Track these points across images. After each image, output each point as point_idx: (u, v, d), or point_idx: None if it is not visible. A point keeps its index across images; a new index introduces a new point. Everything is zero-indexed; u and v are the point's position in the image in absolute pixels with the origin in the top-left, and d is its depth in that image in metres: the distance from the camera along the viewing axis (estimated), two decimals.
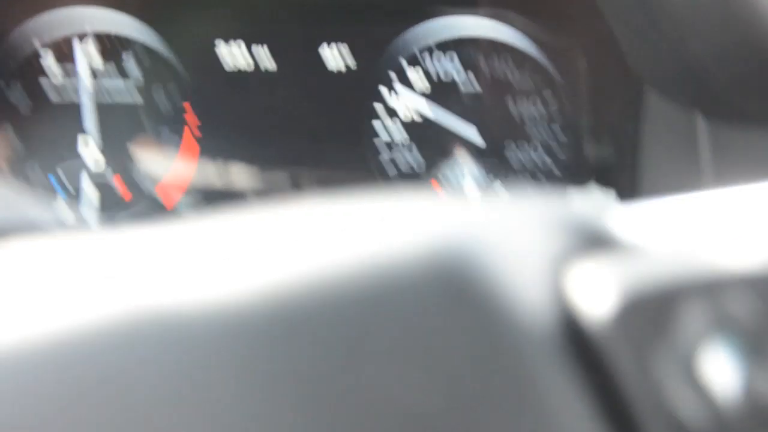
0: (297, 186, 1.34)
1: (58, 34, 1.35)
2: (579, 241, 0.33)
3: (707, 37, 0.89)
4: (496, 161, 1.35)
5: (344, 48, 1.35)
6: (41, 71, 1.34)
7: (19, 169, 1.33)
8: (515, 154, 1.35)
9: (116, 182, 1.35)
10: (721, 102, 1.00)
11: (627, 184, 1.25)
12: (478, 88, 1.36)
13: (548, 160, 1.35)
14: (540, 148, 1.35)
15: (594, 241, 0.34)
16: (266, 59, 1.35)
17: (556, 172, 1.35)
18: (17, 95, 1.34)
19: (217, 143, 1.35)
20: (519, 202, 0.37)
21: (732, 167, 1.05)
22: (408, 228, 0.33)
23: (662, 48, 1.02)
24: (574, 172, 1.34)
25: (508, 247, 0.32)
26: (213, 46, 1.34)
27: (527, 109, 1.35)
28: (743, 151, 1.04)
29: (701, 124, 1.08)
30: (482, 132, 1.35)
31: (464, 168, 1.35)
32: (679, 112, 1.10)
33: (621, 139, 1.27)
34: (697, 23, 0.89)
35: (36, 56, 1.34)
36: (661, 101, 1.14)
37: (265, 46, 1.35)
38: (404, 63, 1.35)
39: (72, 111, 1.34)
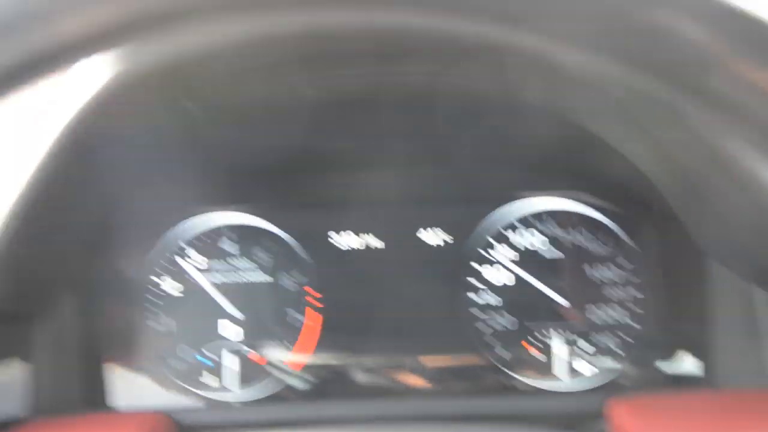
0: (402, 356, 1.52)
1: (199, 232, 1.58)
2: None
3: (747, 223, 1.05)
4: (580, 322, 1.52)
5: (439, 230, 1.56)
6: (186, 265, 1.57)
7: (170, 351, 1.53)
8: (597, 315, 1.52)
9: (252, 355, 1.54)
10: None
11: (696, 344, 1.40)
12: (559, 255, 1.55)
13: (628, 320, 1.51)
14: (619, 309, 1.52)
15: None
16: (374, 241, 1.57)
17: (636, 331, 1.51)
18: (168, 286, 1.56)
19: (335, 320, 1.54)
20: None
21: None
22: None
23: (717, 230, 1.19)
24: (651, 331, 1.50)
25: None
26: (327, 236, 1.57)
27: (604, 273, 1.53)
28: None
29: (759, 294, 1.22)
30: (565, 295, 1.53)
31: (551, 329, 1.52)
32: (740, 282, 1.25)
33: (691, 300, 1.43)
34: (737, 213, 1.06)
35: (182, 253, 1.57)
36: (723, 271, 1.30)
37: (371, 234, 1.57)
38: (492, 239, 1.56)
39: (212, 296, 1.55)
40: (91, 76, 1.04)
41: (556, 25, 0.54)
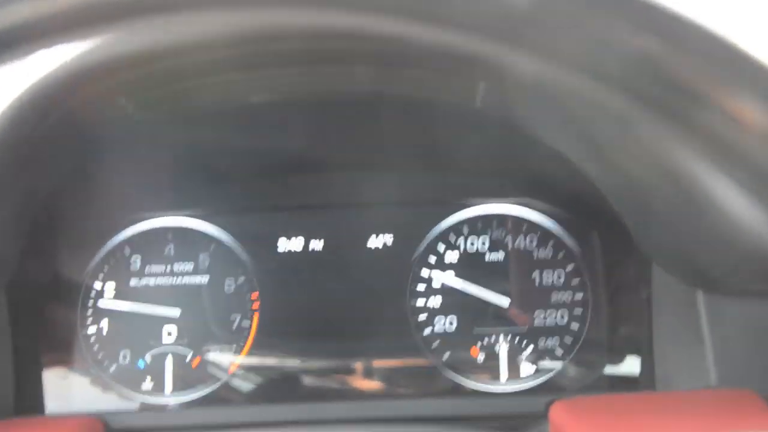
0: (346, 359, 1.51)
1: (145, 239, 1.56)
2: None
3: (694, 234, 1.06)
4: (525, 325, 1.52)
5: (388, 236, 1.55)
6: (131, 272, 1.55)
7: (107, 355, 1.51)
8: (541, 318, 1.52)
9: (190, 358, 1.52)
10: (714, 281, 1.16)
11: (638, 347, 1.41)
12: (505, 259, 1.55)
13: (572, 323, 1.51)
14: (563, 312, 1.52)
15: None
16: (318, 245, 1.56)
17: (579, 334, 1.51)
18: (111, 294, 1.53)
19: (275, 323, 1.53)
20: None
21: (728, 333, 1.19)
22: None
23: (662, 237, 1.20)
24: (594, 334, 1.51)
25: None
26: (275, 241, 1.56)
27: (549, 277, 1.54)
28: (738, 319, 1.19)
29: (701, 296, 1.23)
30: (511, 298, 1.53)
31: (496, 332, 1.52)
32: (683, 286, 1.25)
33: (634, 304, 1.44)
34: (684, 223, 1.06)
35: (127, 260, 1.55)
36: (666, 275, 1.31)
37: (322, 241, 1.56)
38: (439, 244, 1.56)
39: (152, 300, 1.53)
40: (26, 67, 1.02)
41: (513, 38, 0.54)
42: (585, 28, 0.53)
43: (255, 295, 1.54)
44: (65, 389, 1.48)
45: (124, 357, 1.51)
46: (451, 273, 1.55)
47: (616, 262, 1.50)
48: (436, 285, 1.54)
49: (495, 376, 1.50)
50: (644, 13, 0.52)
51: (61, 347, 1.50)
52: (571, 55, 0.55)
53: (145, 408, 1.48)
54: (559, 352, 1.50)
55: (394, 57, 1.11)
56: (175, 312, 1.52)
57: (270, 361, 1.51)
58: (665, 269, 1.29)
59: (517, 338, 1.51)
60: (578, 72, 0.56)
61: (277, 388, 1.50)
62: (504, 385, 1.50)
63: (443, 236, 1.56)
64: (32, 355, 1.42)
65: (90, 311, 1.52)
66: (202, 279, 1.54)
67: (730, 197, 0.87)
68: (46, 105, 1.06)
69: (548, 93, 1.02)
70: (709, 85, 0.54)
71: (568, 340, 1.51)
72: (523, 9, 0.53)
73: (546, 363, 1.50)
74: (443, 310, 1.53)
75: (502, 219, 1.56)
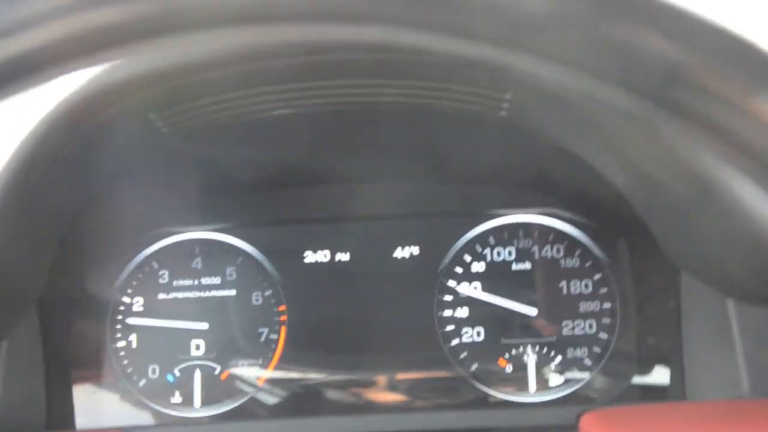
0: (373, 372, 1.51)
1: (173, 253, 1.57)
2: None
3: (722, 241, 1.05)
4: (552, 335, 1.51)
5: (414, 248, 1.55)
6: (159, 286, 1.56)
7: (137, 369, 1.52)
8: (569, 327, 1.52)
9: (218, 371, 1.52)
10: (744, 289, 1.15)
11: (668, 356, 1.39)
12: (531, 269, 1.54)
13: (600, 332, 1.50)
14: (591, 322, 1.51)
15: None
16: (344, 257, 1.56)
17: (608, 343, 1.50)
18: (139, 309, 1.54)
19: (303, 336, 1.54)
20: None
21: (760, 342, 1.18)
22: None
23: (691, 246, 1.19)
24: (623, 343, 1.49)
25: None
26: (302, 255, 1.56)
27: (577, 286, 1.53)
28: None
29: (731, 304, 1.21)
30: (538, 309, 1.52)
31: (524, 342, 1.51)
32: (713, 294, 1.24)
33: (663, 313, 1.43)
34: (711, 230, 1.06)
35: (155, 274, 1.56)
36: (696, 283, 1.29)
37: (348, 253, 1.56)
38: (465, 255, 1.55)
39: (181, 314, 1.54)
40: (50, 87, 1.03)
41: (528, 41, 0.54)
42: (609, 37, 0.53)
43: (282, 308, 1.54)
44: (95, 404, 1.49)
45: (153, 371, 1.51)
46: (477, 284, 1.54)
47: (644, 271, 1.49)
48: (462, 296, 1.54)
49: (523, 387, 1.49)
50: (668, 19, 0.52)
51: (90, 362, 1.50)
52: (595, 64, 0.55)
53: (175, 422, 1.49)
54: (587, 362, 1.49)
55: (419, 71, 1.12)
56: (203, 326, 1.53)
57: (298, 374, 1.51)
58: (694, 277, 1.28)
59: (545, 348, 1.50)
60: (602, 80, 0.56)
61: (305, 401, 1.49)
62: (532, 396, 1.49)
63: (469, 247, 1.56)
64: (63, 371, 1.43)
65: (119, 326, 1.53)
66: (230, 292, 1.55)
67: (758, 205, 0.87)
68: (76, 122, 1.07)
69: (572, 102, 1.02)
70: (737, 90, 0.53)
71: (596, 350, 1.50)
72: (545, 19, 0.53)
73: (575, 373, 1.49)
74: (470, 321, 1.53)
75: (528, 228, 1.56)
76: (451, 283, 1.55)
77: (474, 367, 1.51)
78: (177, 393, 1.51)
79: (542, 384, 1.49)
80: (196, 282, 1.55)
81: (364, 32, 0.57)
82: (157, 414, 1.50)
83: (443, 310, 1.53)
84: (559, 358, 1.50)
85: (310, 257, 1.56)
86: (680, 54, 0.52)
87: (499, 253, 1.55)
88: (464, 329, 1.52)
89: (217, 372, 1.52)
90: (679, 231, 1.17)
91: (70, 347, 1.46)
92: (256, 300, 1.55)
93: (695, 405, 1.22)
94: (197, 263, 1.56)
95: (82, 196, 1.29)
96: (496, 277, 1.54)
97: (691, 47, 0.52)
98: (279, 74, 1.12)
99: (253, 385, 1.51)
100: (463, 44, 0.55)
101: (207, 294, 1.55)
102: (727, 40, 0.52)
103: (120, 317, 1.53)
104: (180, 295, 1.55)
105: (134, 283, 1.55)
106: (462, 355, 1.52)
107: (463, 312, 1.53)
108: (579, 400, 1.48)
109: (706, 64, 0.52)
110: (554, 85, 0.78)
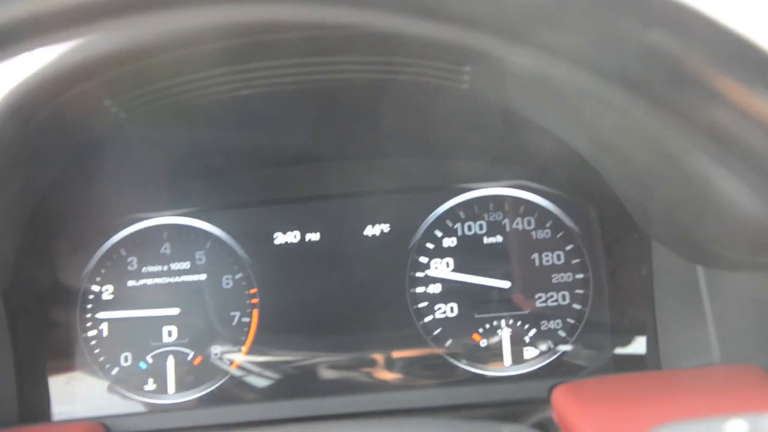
0: (347, 352, 1.50)
1: (141, 239, 1.55)
2: None
3: (691, 209, 1.05)
4: (526, 308, 1.51)
5: (385, 225, 1.54)
6: (129, 273, 1.54)
7: (109, 358, 1.50)
8: (543, 300, 1.51)
9: (192, 357, 1.51)
10: (713, 255, 1.15)
11: (641, 325, 1.39)
12: (503, 242, 1.53)
13: (573, 304, 1.50)
14: (564, 293, 1.51)
15: None
16: (315, 237, 1.55)
17: (581, 314, 1.50)
18: (109, 297, 1.52)
19: (276, 318, 1.52)
20: None
21: (730, 308, 1.18)
22: None
23: (661, 215, 1.19)
24: (596, 314, 1.49)
25: None
26: (272, 236, 1.55)
27: (549, 258, 1.52)
28: (739, 293, 1.18)
29: (701, 271, 1.21)
30: (511, 282, 1.52)
31: (501, 318, 1.51)
32: (684, 263, 1.24)
33: (635, 282, 1.43)
34: (681, 200, 1.05)
35: (124, 261, 1.54)
36: (666, 252, 1.29)
37: (318, 232, 1.54)
38: (436, 231, 1.54)
39: (151, 301, 1.52)
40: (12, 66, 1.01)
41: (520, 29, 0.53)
42: (590, 23, 0.52)
43: (254, 290, 1.53)
44: (69, 394, 1.47)
45: (126, 359, 1.50)
46: (449, 260, 1.53)
47: (616, 240, 1.49)
48: (434, 272, 1.53)
49: (498, 361, 1.49)
50: (651, 5, 0.51)
51: (62, 352, 1.49)
52: (573, 50, 0.54)
53: (150, 409, 1.48)
54: (562, 333, 1.49)
55: (387, 48, 1.10)
56: (174, 311, 1.51)
57: (272, 356, 1.50)
58: (665, 245, 1.27)
59: (520, 322, 1.50)
60: (579, 66, 0.55)
61: (280, 384, 1.49)
62: (507, 369, 1.49)
63: (440, 222, 1.55)
64: (34, 361, 1.42)
65: (89, 315, 1.51)
66: (200, 277, 1.53)
67: (729, 182, 0.86)
68: (30, 108, 1.05)
69: (544, 84, 1.01)
70: (716, 78, 0.53)
71: (570, 321, 1.50)
72: (524, 5, 0.52)
73: (550, 345, 1.49)
74: (443, 297, 1.52)
75: (498, 201, 1.55)
76: (423, 259, 1.54)
77: (448, 342, 1.50)
78: (150, 380, 1.50)
79: (517, 357, 1.49)
80: (166, 268, 1.53)
81: (343, 13, 0.55)
82: (131, 402, 1.49)
83: (416, 287, 1.53)
84: (533, 330, 1.50)
85: (280, 238, 1.55)
86: (661, 39, 0.51)
87: (470, 227, 1.54)
88: (437, 305, 1.52)
89: (189, 357, 1.50)
90: (645, 198, 1.17)
91: (41, 337, 1.44)
92: (227, 284, 1.53)
93: (667, 374, 1.22)
94: (166, 248, 1.54)
95: (43, 184, 1.27)
96: (468, 252, 1.53)
97: (672, 32, 0.51)
98: (237, 54, 1.10)
99: (227, 370, 1.50)
100: (438, 29, 0.54)
101: (177, 279, 1.53)
102: (708, 26, 0.51)
103: (90, 306, 1.52)
104: (150, 281, 1.53)
105: (103, 270, 1.53)
106: (436, 332, 1.51)
107: (435, 288, 1.53)
108: (555, 372, 1.47)
109: (687, 50, 0.51)
110: (526, 70, 0.77)
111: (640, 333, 1.41)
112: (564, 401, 1.04)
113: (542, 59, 0.55)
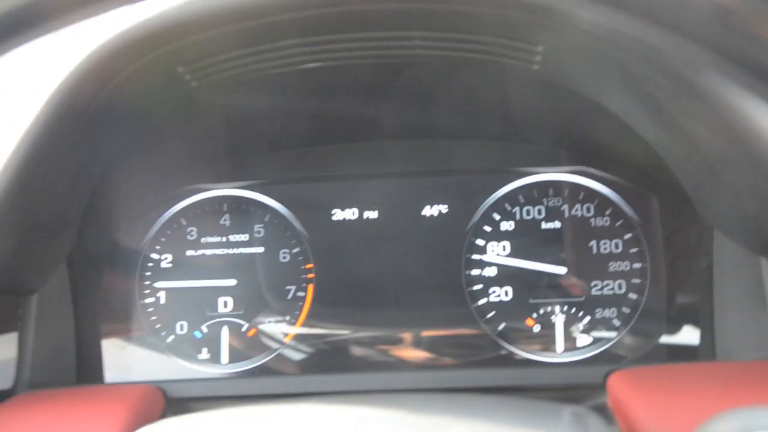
0: (400, 329, 1.51)
1: (202, 210, 1.57)
2: None
3: (760, 198, 1.03)
4: (581, 294, 1.50)
5: (443, 206, 1.54)
6: (188, 242, 1.56)
7: (165, 325, 1.53)
8: (599, 287, 1.50)
9: (246, 328, 1.53)
10: None
11: (699, 316, 1.38)
12: (561, 228, 1.53)
13: (630, 292, 1.49)
14: (621, 281, 1.50)
15: None
16: (373, 214, 1.56)
17: (638, 303, 1.48)
18: (168, 265, 1.55)
19: (330, 293, 1.54)
20: None
21: None
22: None
23: (727, 203, 1.17)
24: (653, 303, 1.48)
25: None
26: (330, 213, 1.56)
27: (607, 245, 1.51)
28: None
29: (765, 264, 1.19)
30: (568, 268, 1.51)
31: (553, 302, 1.50)
32: (745, 254, 1.22)
33: (694, 273, 1.41)
34: (750, 187, 1.03)
35: (183, 231, 1.57)
36: (728, 242, 1.27)
37: (376, 210, 1.55)
38: (494, 214, 1.54)
39: (213, 275, 1.55)
40: (81, 40, 1.03)
41: None
42: None
43: (310, 265, 1.54)
44: (123, 359, 1.50)
45: (181, 327, 1.53)
46: (506, 243, 1.53)
47: (676, 230, 1.47)
48: (490, 253, 1.53)
49: (550, 346, 1.49)
50: None
51: (120, 318, 1.52)
52: (645, 6, 0.53)
53: (202, 377, 1.50)
54: (616, 322, 1.48)
55: (462, 25, 1.09)
56: (231, 283, 1.53)
57: (324, 330, 1.52)
58: (728, 236, 1.25)
59: (574, 308, 1.49)
60: (652, 24, 0.53)
61: (331, 358, 1.50)
62: (560, 355, 1.48)
63: (498, 205, 1.54)
64: (93, 326, 1.44)
65: (147, 282, 1.54)
66: (258, 249, 1.55)
67: None
68: (107, 72, 1.06)
69: (611, 52, 1.00)
70: None
71: (625, 310, 1.48)
72: None
73: (603, 333, 1.48)
74: (498, 280, 1.52)
75: (558, 187, 1.54)
76: (480, 242, 1.53)
77: (501, 326, 1.50)
78: (204, 349, 1.52)
79: (570, 344, 1.49)
80: (224, 239, 1.55)
81: None
82: (184, 369, 1.51)
83: (471, 269, 1.52)
84: (587, 318, 1.49)
85: (338, 215, 1.55)
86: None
87: (528, 212, 1.53)
88: (492, 288, 1.51)
89: (244, 329, 1.52)
90: (713, 186, 1.15)
91: (100, 303, 1.47)
92: (284, 257, 1.55)
93: (724, 365, 1.20)
94: (225, 220, 1.56)
95: (111, 151, 1.29)
96: (525, 236, 1.53)
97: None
98: (309, 26, 1.11)
99: (280, 342, 1.52)
100: None
101: (235, 251, 1.55)
102: None
103: (149, 274, 1.54)
104: (208, 252, 1.55)
105: (163, 239, 1.56)
106: (489, 315, 1.51)
107: (491, 271, 1.52)
108: (606, 359, 1.47)
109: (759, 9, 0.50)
110: (596, 30, 0.76)
111: (697, 324, 1.39)
112: (620, 388, 1.04)
113: (611, 13, 0.54)
